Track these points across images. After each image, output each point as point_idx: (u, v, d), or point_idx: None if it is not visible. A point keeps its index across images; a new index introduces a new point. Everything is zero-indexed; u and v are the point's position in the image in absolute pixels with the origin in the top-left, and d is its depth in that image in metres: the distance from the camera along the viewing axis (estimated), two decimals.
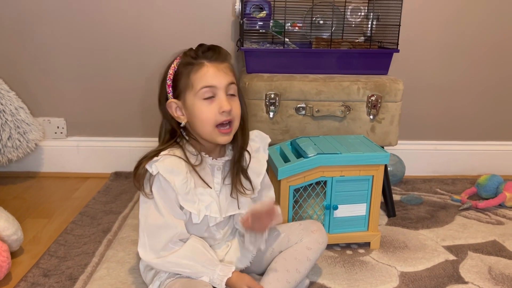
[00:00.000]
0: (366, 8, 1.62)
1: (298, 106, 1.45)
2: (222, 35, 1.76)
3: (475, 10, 1.79)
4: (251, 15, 1.56)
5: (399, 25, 1.48)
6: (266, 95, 1.44)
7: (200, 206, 1.00)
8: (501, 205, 1.64)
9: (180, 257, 0.99)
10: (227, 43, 1.76)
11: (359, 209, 1.32)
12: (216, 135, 1.00)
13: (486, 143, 1.97)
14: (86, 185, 1.80)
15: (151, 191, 0.99)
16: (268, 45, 1.60)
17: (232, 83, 1.00)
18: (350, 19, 1.64)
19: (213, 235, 1.07)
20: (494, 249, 1.35)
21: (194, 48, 1.01)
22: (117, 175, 1.87)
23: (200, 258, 1.00)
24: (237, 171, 1.05)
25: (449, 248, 1.35)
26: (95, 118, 1.88)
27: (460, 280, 1.19)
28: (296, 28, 1.60)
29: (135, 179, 1.00)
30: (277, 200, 1.31)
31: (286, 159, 1.30)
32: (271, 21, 1.57)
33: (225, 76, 0.99)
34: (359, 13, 1.65)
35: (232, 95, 1.01)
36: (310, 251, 1.08)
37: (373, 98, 1.44)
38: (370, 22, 1.59)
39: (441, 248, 1.35)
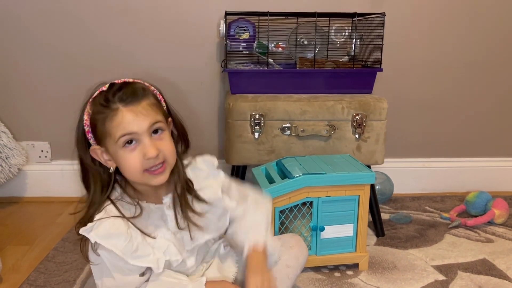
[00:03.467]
0: (350, 28, 1.63)
1: (283, 126, 1.44)
2: (207, 56, 1.76)
3: (458, 28, 1.81)
4: (235, 36, 1.57)
5: (382, 45, 1.49)
6: (250, 115, 1.43)
7: (157, 254, 0.91)
8: (490, 222, 1.62)
9: None
10: (213, 64, 1.76)
11: (346, 230, 1.30)
12: (148, 178, 0.89)
13: (474, 160, 1.97)
14: (70, 210, 1.76)
15: (98, 255, 0.90)
16: (252, 66, 1.60)
17: (155, 122, 0.87)
18: (335, 39, 1.66)
19: (183, 265, 0.98)
20: (484, 268, 1.33)
21: (104, 90, 0.88)
22: None
23: (167, 285, 0.93)
24: (185, 203, 0.94)
25: (439, 268, 1.33)
26: None
27: None
28: (280, 48, 1.60)
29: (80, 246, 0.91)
30: None
31: (271, 180, 1.28)
32: (255, 42, 1.58)
33: (145, 118, 0.86)
34: (343, 33, 1.66)
35: (159, 132, 0.89)
36: (290, 269, 1.05)
37: (357, 117, 1.43)
38: (353, 42, 1.60)
39: (430, 268, 1.33)
